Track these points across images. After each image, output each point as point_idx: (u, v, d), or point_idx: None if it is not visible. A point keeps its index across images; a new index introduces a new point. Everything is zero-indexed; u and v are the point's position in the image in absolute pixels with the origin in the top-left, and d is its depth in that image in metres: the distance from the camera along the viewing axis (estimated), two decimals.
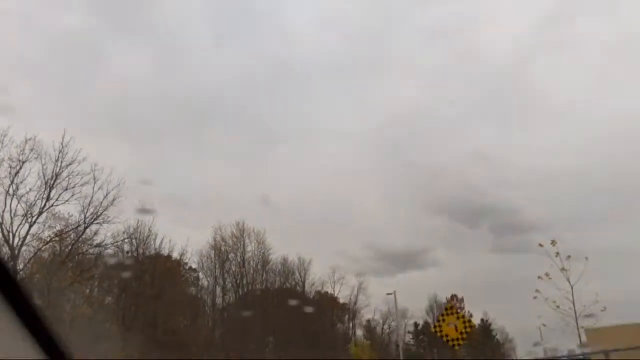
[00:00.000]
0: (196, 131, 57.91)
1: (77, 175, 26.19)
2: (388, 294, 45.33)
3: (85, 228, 27.81)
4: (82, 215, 27.04)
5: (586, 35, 60.75)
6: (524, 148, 57.61)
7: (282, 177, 57.58)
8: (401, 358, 40.91)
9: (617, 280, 35.93)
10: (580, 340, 24.72)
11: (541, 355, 30.46)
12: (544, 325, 25.71)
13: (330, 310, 52.00)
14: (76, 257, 28.21)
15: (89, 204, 27.01)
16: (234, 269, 44.89)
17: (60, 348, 1.85)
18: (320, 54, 63.50)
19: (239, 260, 45.43)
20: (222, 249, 44.58)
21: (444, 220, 70.53)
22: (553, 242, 25.07)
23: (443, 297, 55.93)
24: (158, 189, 50.72)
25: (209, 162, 57.21)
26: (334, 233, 57.93)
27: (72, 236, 27.71)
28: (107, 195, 27.18)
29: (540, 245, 25.43)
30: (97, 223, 27.53)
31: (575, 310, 24.28)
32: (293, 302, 45.88)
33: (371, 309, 54.57)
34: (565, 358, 24.23)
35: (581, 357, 24.31)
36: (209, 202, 53.08)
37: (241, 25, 65.47)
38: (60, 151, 25.91)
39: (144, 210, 31.80)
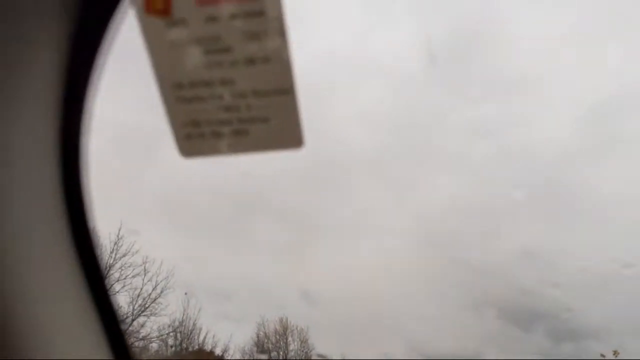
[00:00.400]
0: (240, 223, 58.88)
1: (129, 267, 27.03)
2: None
3: (133, 320, 28.20)
4: (131, 307, 27.55)
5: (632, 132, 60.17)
6: (577, 248, 55.69)
7: (323, 273, 57.18)
8: None
9: None
10: None
11: None
12: None
13: None
14: None
15: (138, 296, 27.59)
16: None
17: (127, 349, 1.81)
18: (363, 148, 64.88)
19: (281, 358, 44.50)
20: (265, 346, 43.90)
21: (495, 322, 67.44)
22: (615, 353, 23.77)
23: None
24: (202, 281, 51.11)
25: (252, 254, 57.63)
26: (378, 334, 56.18)
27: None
28: (155, 287, 27.78)
29: (602, 355, 24.15)
30: (145, 315, 27.94)
31: None
32: None
33: None
34: None
35: None
36: (251, 296, 52.89)
37: None
38: (115, 243, 26.97)
39: (188, 296, 32.28)
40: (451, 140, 67.02)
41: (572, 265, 54.02)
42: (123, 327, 1.79)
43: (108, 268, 26.75)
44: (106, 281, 1.67)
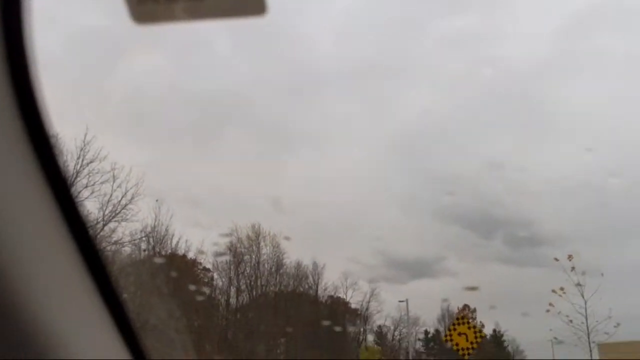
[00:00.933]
0: (211, 131, 58.39)
1: (97, 173, 26.79)
2: (400, 301, 45.52)
3: (104, 226, 28.41)
4: (101, 213, 27.65)
5: (605, 50, 60.28)
6: (541, 161, 57.20)
7: (295, 180, 57.76)
8: None
9: (633, 297, 35.73)
10: (591, 355, 24.71)
11: None
12: (555, 338, 25.79)
13: (342, 315, 52.26)
14: None
15: (108, 202, 27.62)
16: (248, 271, 45.41)
17: (142, 349, 1.80)
18: (338, 59, 63.63)
19: (253, 262, 45.92)
20: (238, 250, 45.10)
21: (457, 229, 70.24)
22: (570, 257, 25.17)
23: (455, 306, 55.85)
24: (175, 189, 51.26)
25: (223, 162, 57.70)
26: (346, 239, 58.05)
27: (90, 233, 28.28)
28: (125, 193, 27.77)
29: (556, 259, 25.59)
30: (115, 221, 28.13)
31: (587, 325, 24.29)
32: (306, 306, 46.24)
33: (383, 316, 54.80)
34: None
35: None
36: (223, 204, 53.53)
37: (258, 27, 65.64)
38: (82, 149, 26.51)
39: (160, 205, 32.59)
40: (426, 53, 66.28)
41: (534, 176, 55.86)
42: (136, 326, 1.77)
43: (75, 174, 26.48)
44: (73, 190, 1.58)
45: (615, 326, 24.32)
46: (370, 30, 67.31)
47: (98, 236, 29.07)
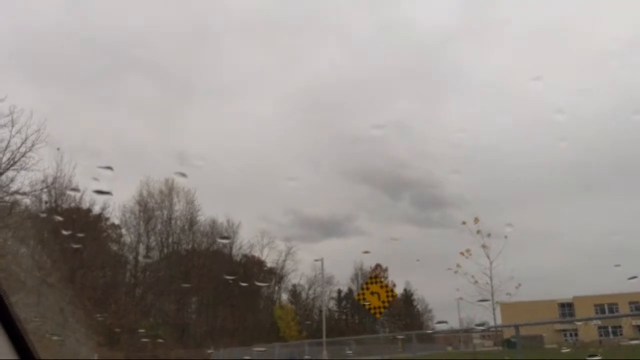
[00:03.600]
0: (108, 78, 55.11)
1: None
2: (316, 260, 45.73)
3: (1, 174, 26.07)
4: None
5: (506, 20, 62.16)
6: (446, 124, 58.49)
7: (199, 134, 55.69)
8: (324, 322, 41.58)
9: (533, 259, 37.82)
10: (494, 313, 25.89)
11: (457, 326, 31.82)
12: (461, 298, 26.78)
13: (257, 273, 51.95)
14: None
15: (6, 149, 25.25)
16: (159, 228, 43.80)
17: (29, 347, 1.79)
18: (243, 9, 61.38)
19: (165, 218, 44.33)
20: (149, 205, 43.30)
21: (366, 189, 71.19)
22: (476, 220, 26.10)
23: (366, 265, 57.08)
24: (71, 137, 48.10)
25: (123, 112, 54.82)
26: (257, 196, 57.23)
27: None
28: (25, 140, 25.46)
29: (464, 223, 26.43)
30: (14, 169, 25.86)
31: (492, 286, 25.38)
32: (219, 264, 45.42)
33: (298, 274, 55.08)
34: (479, 329, 25.43)
35: (494, 329, 25.50)
36: (126, 156, 50.81)
37: None
38: None
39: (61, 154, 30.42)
40: (335, 11, 65.54)
41: (439, 139, 57.29)
42: (23, 326, 1.74)
43: None
44: None
45: (516, 287, 25.52)
46: None
47: None
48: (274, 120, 59.43)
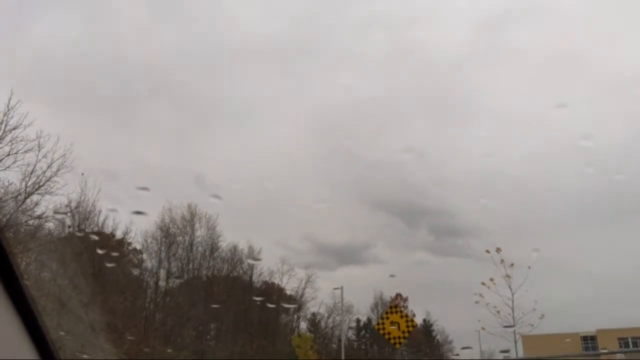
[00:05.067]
0: (130, 103, 56.18)
1: (20, 140, 24.97)
2: (335, 288, 45.41)
3: (26, 198, 26.64)
4: (23, 184, 25.89)
5: (521, 44, 62.14)
6: (462, 150, 57.94)
7: (217, 160, 56.00)
8: (342, 352, 41.15)
9: (556, 291, 37.07)
10: (516, 346, 25.35)
11: (477, 357, 31.24)
12: (483, 328, 26.27)
13: (276, 301, 51.76)
14: (14, 227, 26.97)
15: (32, 173, 25.88)
16: (180, 253, 44.06)
17: (51, 349, 1.81)
18: (262, 36, 62.37)
19: (186, 244, 44.60)
20: (171, 231, 43.65)
21: (383, 216, 70.60)
22: (498, 250, 25.72)
23: (386, 295, 56.43)
24: (97, 162, 48.78)
25: (144, 136, 55.59)
26: (274, 223, 57.11)
27: (11, 205, 26.44)
28: (51, 165, 26.08)
29: (487, 251, 26.03)
30: (39, 193, 26.43)
31: (513, 317, 24.91)
32: (239, 291, 45.39)
33: (317, 302, 54.69)
34: (503, 356, 24.87)
35: None
36: (146, 181, 51.23)
37: (177, 3, 63.41)
38: (5, 114, 24.58)
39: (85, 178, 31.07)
40: (348, 35, 66.13)
41: (456, 166, 56.83)
42: (46, 327, 1.79)
43: None
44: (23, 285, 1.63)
45: (540, 318, 24.97)
46: (292, 7, 66.41)
47: (20, 209, 27.29)
48: (290, 145, 59.69)
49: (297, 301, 53.49)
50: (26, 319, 1.70)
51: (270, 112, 62.21)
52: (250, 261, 48.40)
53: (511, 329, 23.60)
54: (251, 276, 49.85)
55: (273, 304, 49.94)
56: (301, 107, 65.35)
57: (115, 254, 35.18)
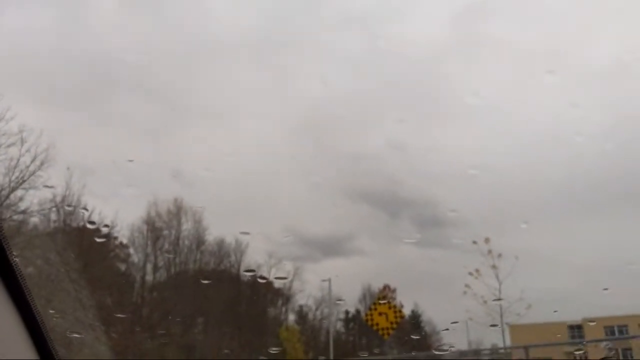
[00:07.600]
0: (101, 97, 55.26)
1: (3, 134, 24.69)
2: (323, 280, 45.44)
3: (10, 193, 26.34)
4: (7, 179, 25.59)
5: (500, 37, 62.29)
6: (442, 143, 57.92)
7: (194, 154, 55.29)
8: (331, 344, 41.22)
9: (543, 280, 37.35)
10: (503, 335, 25.59)
11: (465, 348, 31.47)
12: (470, 319, 26.47)
13: (263, 294, 51.72)
14: None
15: (15, 167, 25.58)
16: (167, 247, 43.83)
17: (51, 349, 1.82)
18: (236, 30, 61.74)
19: (173, 238, 44.38)
20: (157, 225, 43.39)
21: (365, 208, 70.68)
22: (486, 240, 25.92)
23: (374, 287, 56.52)
24: (76, 157, 48.02)
25: (117, 130, 54.76)
26: (254, 215, 56.78)
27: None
28: (34, 159, 25.80)
29: (475, 242, 26.26)
30: (23, 188, 26.14)
31: (501, 307, 25.11)
32: (226, 284, 45.26)
33: (305, 295, 54.69)
34: (487, 351, 25.15)
35: (502, 351, 25.19)
36: (120, 173, 50.56)
37: None
38: None
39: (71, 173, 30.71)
40: (326, 30, 65.80)
41: (435, 159, 56.91)
42: (45, 327, 1.78)
43: None
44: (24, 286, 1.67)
45: (526, 308, 25.24)
46: (268, 1, 65.89)
47: (3, 204, 26.93)
48: (269, 138, 59.18)
49: (285, 294, 53.55)
50: (26, 319, 1.70)
51: (250, 106, 61.65)
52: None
53: (498, 319, 23.78)
54: (239, 269, 49.74)
55: (261, 296, 49.94)
56: (281, 101, 64.89)
57: (101, 241, 34.84)
